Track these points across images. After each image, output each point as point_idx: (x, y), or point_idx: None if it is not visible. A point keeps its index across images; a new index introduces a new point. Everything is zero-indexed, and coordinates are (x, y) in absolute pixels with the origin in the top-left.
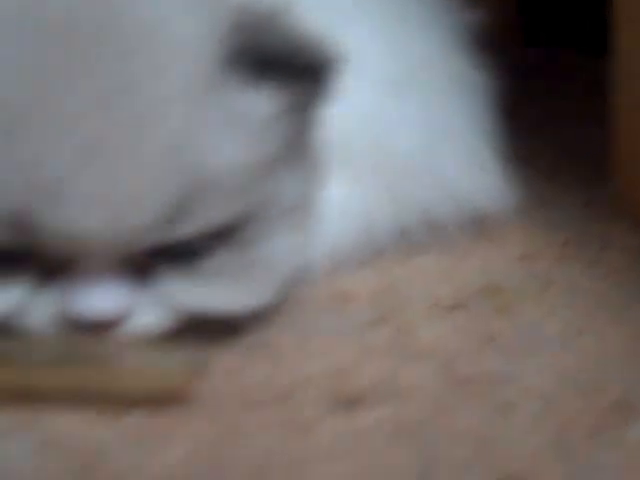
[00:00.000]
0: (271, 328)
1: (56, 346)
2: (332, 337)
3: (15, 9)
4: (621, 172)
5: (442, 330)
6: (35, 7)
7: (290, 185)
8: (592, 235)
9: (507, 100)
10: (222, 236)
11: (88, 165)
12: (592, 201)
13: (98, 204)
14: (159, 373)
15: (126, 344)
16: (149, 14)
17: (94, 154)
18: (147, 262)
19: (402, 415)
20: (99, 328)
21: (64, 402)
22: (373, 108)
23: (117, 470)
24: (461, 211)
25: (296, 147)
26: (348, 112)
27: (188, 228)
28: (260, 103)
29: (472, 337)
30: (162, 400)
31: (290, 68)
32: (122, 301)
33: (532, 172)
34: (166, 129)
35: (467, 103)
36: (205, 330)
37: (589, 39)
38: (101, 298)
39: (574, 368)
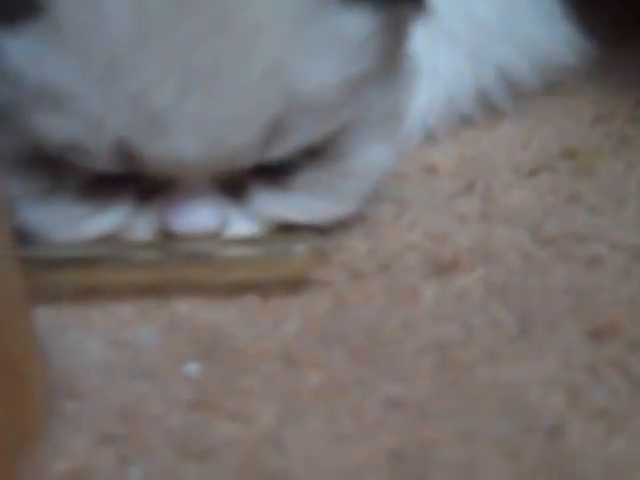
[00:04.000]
0: (367, 202)
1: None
2: (424, 207)
3: None
4: None
5: (527, 194)
6: None
7: (381, 97)
8: None
9: None
10: (313, 152)
11: (190, 94)
12: None
13: (199, 131)
14: (287, 262)
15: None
16: None
17: (196, 83)
18: (240, 179)
19: (495, 276)
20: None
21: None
22: None
23: (236, 346)
24: (538, 68)
25: (389, 61)
26: None
27: (282, 147)
28: (357, 24)
29: (557, 198)
30: (289, 286)
31: None
32: (217, 217)
33: (597, 38)
34: (264, 53)
35: None
36: None
37: None
38: (198, 216)
39: None
